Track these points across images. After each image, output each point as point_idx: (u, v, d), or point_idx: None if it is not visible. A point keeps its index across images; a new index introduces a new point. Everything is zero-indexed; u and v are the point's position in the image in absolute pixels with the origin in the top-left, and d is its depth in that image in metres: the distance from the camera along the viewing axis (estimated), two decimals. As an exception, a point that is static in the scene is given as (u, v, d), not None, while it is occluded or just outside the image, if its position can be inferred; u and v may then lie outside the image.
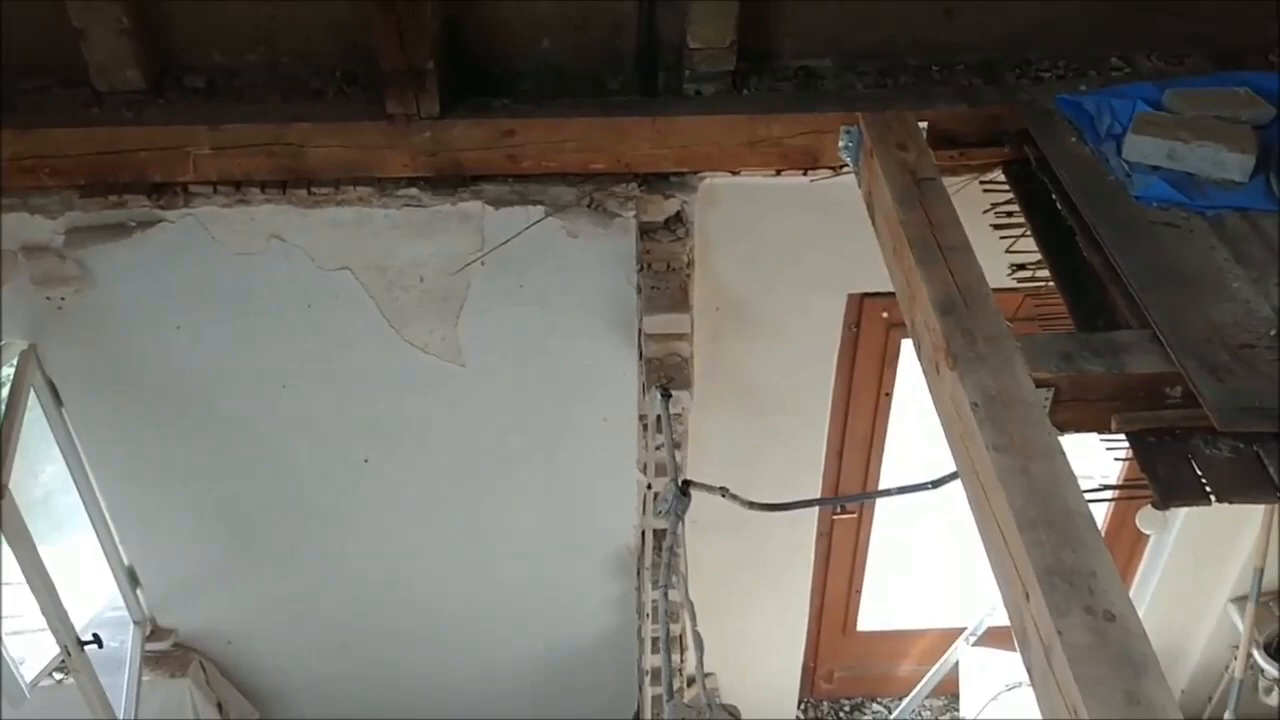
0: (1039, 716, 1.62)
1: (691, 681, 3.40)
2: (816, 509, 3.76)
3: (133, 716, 3.36)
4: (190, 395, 3.11)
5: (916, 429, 3.63)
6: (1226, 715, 4.01)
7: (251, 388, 3.11)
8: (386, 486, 3.38)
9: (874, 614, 4.37)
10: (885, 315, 3.23)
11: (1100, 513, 4.08)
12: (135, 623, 3.62)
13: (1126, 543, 4.08)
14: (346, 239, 2.78)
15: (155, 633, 3.72)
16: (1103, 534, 3.99)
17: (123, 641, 3.55)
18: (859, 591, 4.20)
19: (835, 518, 3.88)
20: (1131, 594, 4.24)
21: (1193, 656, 4.29)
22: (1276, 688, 4.08)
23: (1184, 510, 3.85)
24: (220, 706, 3.89)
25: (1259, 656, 3.87)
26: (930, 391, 2.11)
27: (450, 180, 2.65)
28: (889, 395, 3.52)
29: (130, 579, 3.56)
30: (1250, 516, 3.78)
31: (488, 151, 2.57)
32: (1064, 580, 1.59)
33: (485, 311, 2.92)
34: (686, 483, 2.30)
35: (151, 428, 3.18)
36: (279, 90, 2.64)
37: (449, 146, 2.55)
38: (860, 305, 3.20)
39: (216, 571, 3.61)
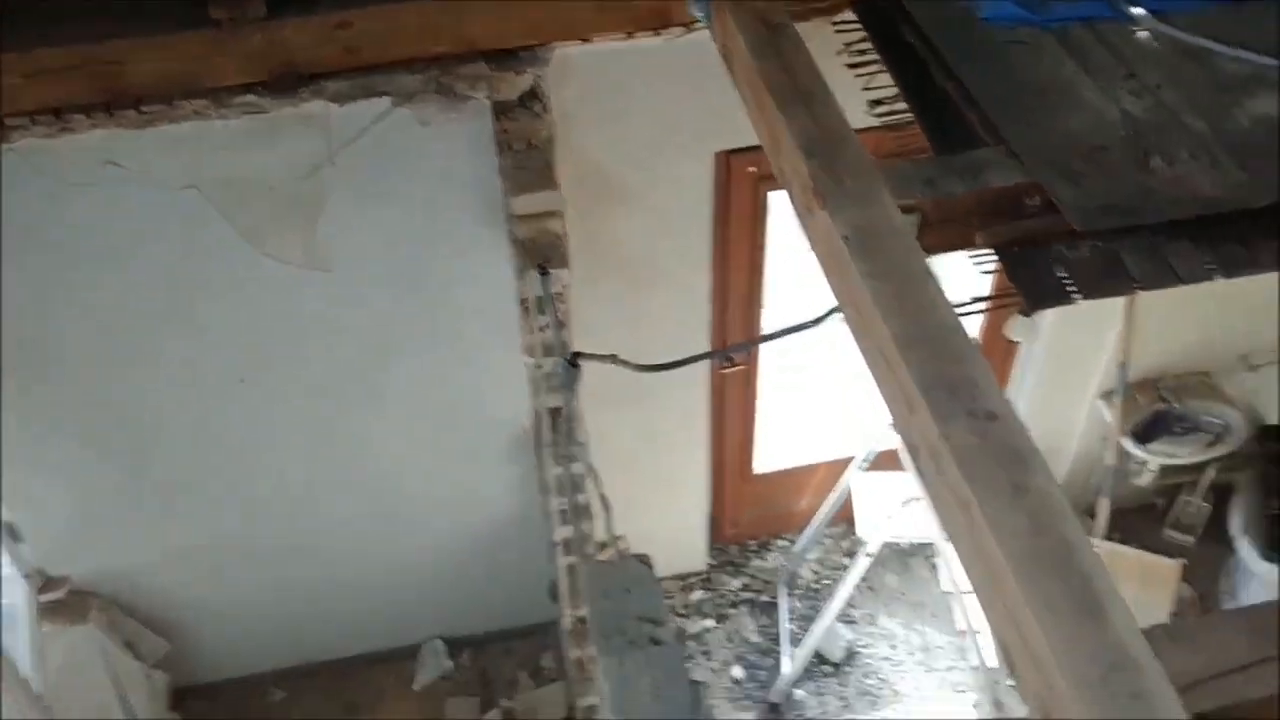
0: (927, 529, 1.74)
1: (604, 546, 3.48)
2: (707, 368, 3.85)
3: (38, 670, 3.30)
4: (48, 338, 2.98)
5: (792, 278, 3.70)
6: (1102, 500, 4.32)
7: (111, 323, 2.99)
8: (267, 403, 3.32)
9: (770, 457, 4.53)
10: (753, 170, 3.25)
11: (974, 329, 4.27)
12: (24, 577, 3.52)
13: (1000, 354, 4.28)
14: (187, 156, 2.66)
15: (48, 584, 3.63)
16: (978, 348, 4.18)
17: (13, 599, 3.45)
18: (753, 438, 4.34)
19: (724, 372, 3.97)
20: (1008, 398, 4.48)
21: (1069, 451, 4.57)
22: (1145, 470, 4.40)
23: (1050, 318, 4.06)
24: (130, 645, 3.85)
25: (1128, 444, 4.15)
26: (804, 234, 2.15)
27: (288, 82, 2.53)
28: (762, 249, 3.57)
29: (10, 535, 3.45)
30: (1111, 317, 4.00)
31: (323, 47, 2.46)
32: (945, 390, 1.67)
33: (346, 215, 2.84)
34: (575, 355, 2.31)
35: (9, 378, 3.04)
36: (93, 6, 2.46)
37: (282, 47, 2.43)
38: (728, 162, 3.22)
39: (101, 513, 3.53)
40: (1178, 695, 1.38)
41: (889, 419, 1.85)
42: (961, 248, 2.08)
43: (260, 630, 4.14)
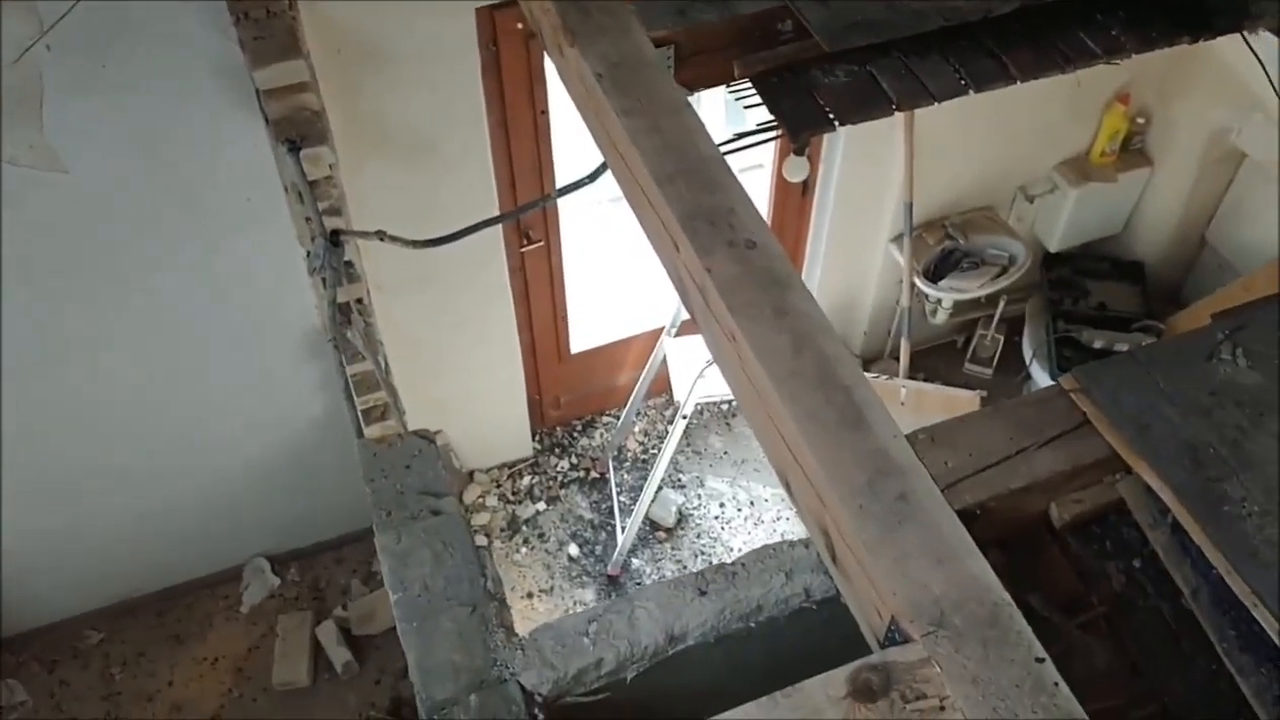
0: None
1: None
2: (504, 248, 3.74)
3: None
4: None
5: (581, 142, 3.60)
6: (903, 341, 4.46)
7: None
8: (28, 332, 3.05)
9: (584, 335, 4.49)
10: (521, 26, 3.11)
11: (764, 196, 4.29)
12: None
13: (794, 209, 4.32)
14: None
15: None
16: (769, 213, 4.19)
17: None
18: (565, 318, 4.28)
19: (524, 250, 3.87)
20: (806, 258, 4.55)
21: (868, 299, 4.69)
22: (940, 308, 4.55)
23: (837, 166, 4.10)
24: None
25: (920, 283, 4.28)
26: (560, 78, 2.06)
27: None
28: (545, 114, 3.45)
29: None
30: (894, 160, 4.07)
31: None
32: (705, 221, 1.63)
33: (74, 105, 2.57)
34: (335, 233, 2.17)
35: None
36: None
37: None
38: (491, 19, 3.06)
39: None
40: (942, 493, 1.40)
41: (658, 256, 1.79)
42: (720, 81, 2.03)
43: (66, 572, 3.90)
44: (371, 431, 3.36)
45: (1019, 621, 1.26)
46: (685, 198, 1.67)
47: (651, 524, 4.58)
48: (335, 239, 2.16)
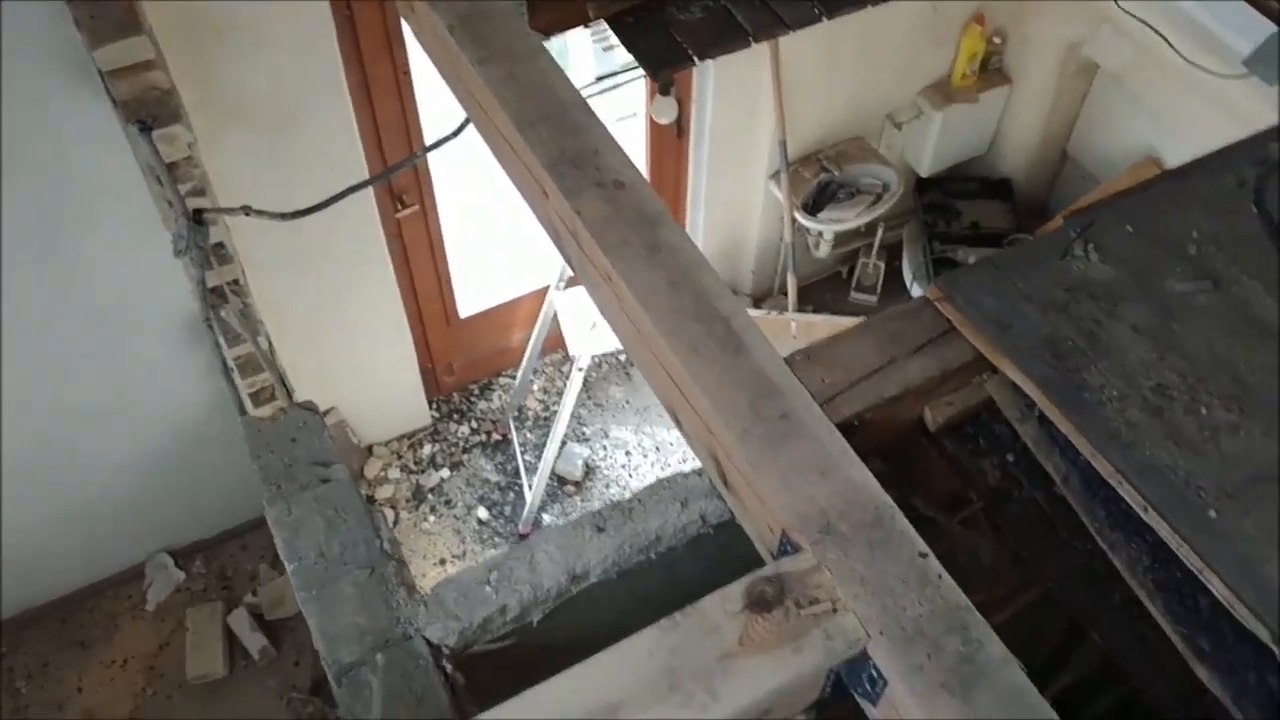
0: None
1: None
2: (379, 215, 3.67)
3: None
4: None
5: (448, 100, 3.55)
6: (789, 276, 4.53)
7: None
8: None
9: (472, 299, 4.45)
10: (372, -14, 3.04)
11: (640, 143, 4.30)
12: None
13: (671, 153, 4.33)
14: None
15: None
16: (647, 159, 4.19)
17: None
18: (449, 282, 4.24)
19: (399, 216, 3.81)
20: (687, 202, 4.58)
21: (753, 237, 4.75)
22: (821, 240, 4.64)
23: (709, 110, 4.12)
24: None
25: (800, 217, 4.34)
26: (414, 34, 2.03)
27: None
28: (407, 73, 3.39)
29: None
30: (764, 97, 4.11)
31: None
32: (571, 165, 1.63)
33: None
34: (198, 212, 2.11)
35: None
36: None
37: None
38: (342, -18, 2.99)
39: None
40: (820, 409, 1.44)
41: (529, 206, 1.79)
42: (575, 24, 2.02)
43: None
44: (261, 413, 3.29)
45: (901, 522, 1.30)
46: (549, 143, 1.66)
47: (559, 479, 4.60)
48: (198, 218, 2.10)
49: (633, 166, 1.66)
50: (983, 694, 1.16)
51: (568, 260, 1.76)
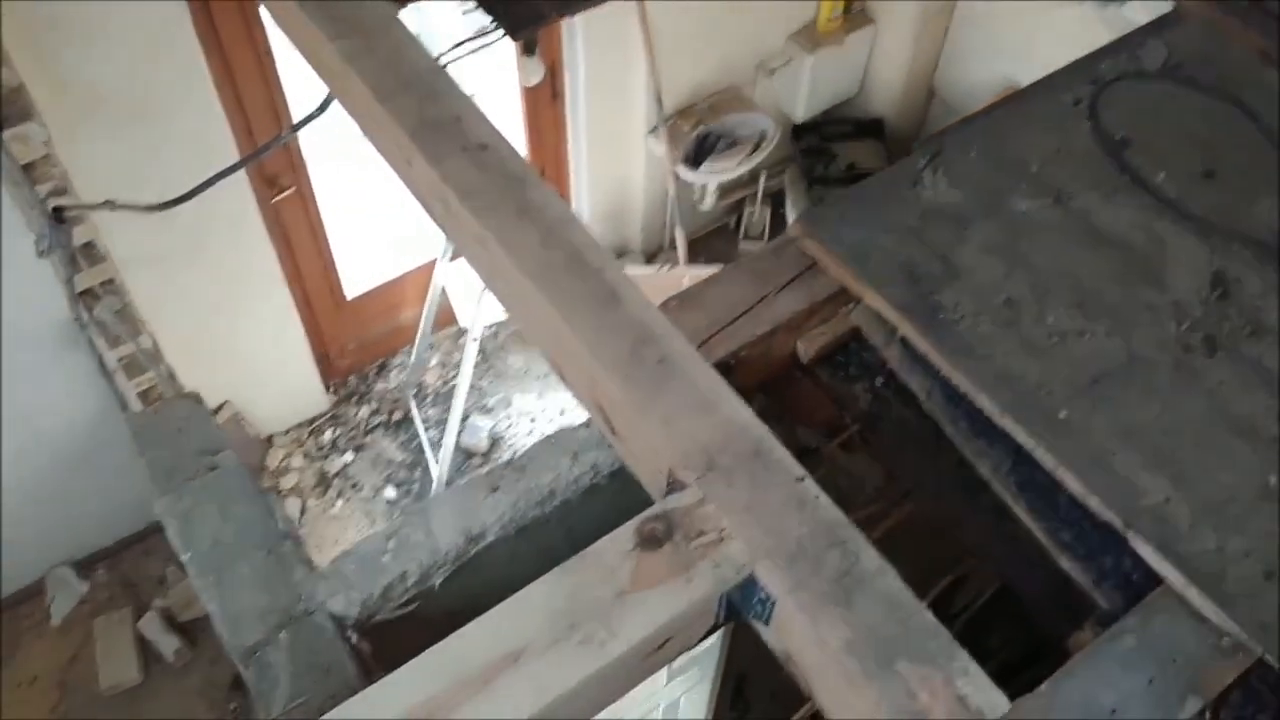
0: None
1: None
2: (254, 201, 3.61)
3: None
4: None
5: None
6: (677, 229, 4.58)
7: None
8: None
9: (359, 280, 4.41)
10: (222, -30, 2.97)
11: (516, 110, 4.28)
12: None
13: (549, 124, 4.33)
14: None
15: None
16: (524, 124, 4.17)
17: None
18: (333, 264, 4.19)
19: (276, 201, 3.75)
20: (569, 164, 4.59)
21: (639, 195, 4.79)
22: (705, 192, 4.70)
23: (582, 70, 4.12)
24: None
25: (682, 171, 4.39)
26: (271, 16, 2.00)
27: None
28: (270, 55, 3.33)
29: None
30: (636, 52, 4.12)
31: None
32: (434, 131, 1.64)
33: None
34: (58, 210, 2.06)
35: None
36: None
37: None
38: (191, -33, 2.91)
39: None
40: (697, 350, 1.49)
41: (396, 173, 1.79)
42: (429, -9, 2.02)
43: None
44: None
45: (779, 451, 1.36)
46: (410, 112, 1.67)
47: (466, 453, 4.60)
48: (59, 217, 2.05)
49: (495, 129, 1.68)
50: (864, 602, 1.23)
51: (440, 227, 1.77)
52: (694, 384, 1.43)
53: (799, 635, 1.26)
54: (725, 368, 1.50)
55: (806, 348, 1.57)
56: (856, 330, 1.57)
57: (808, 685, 1.32)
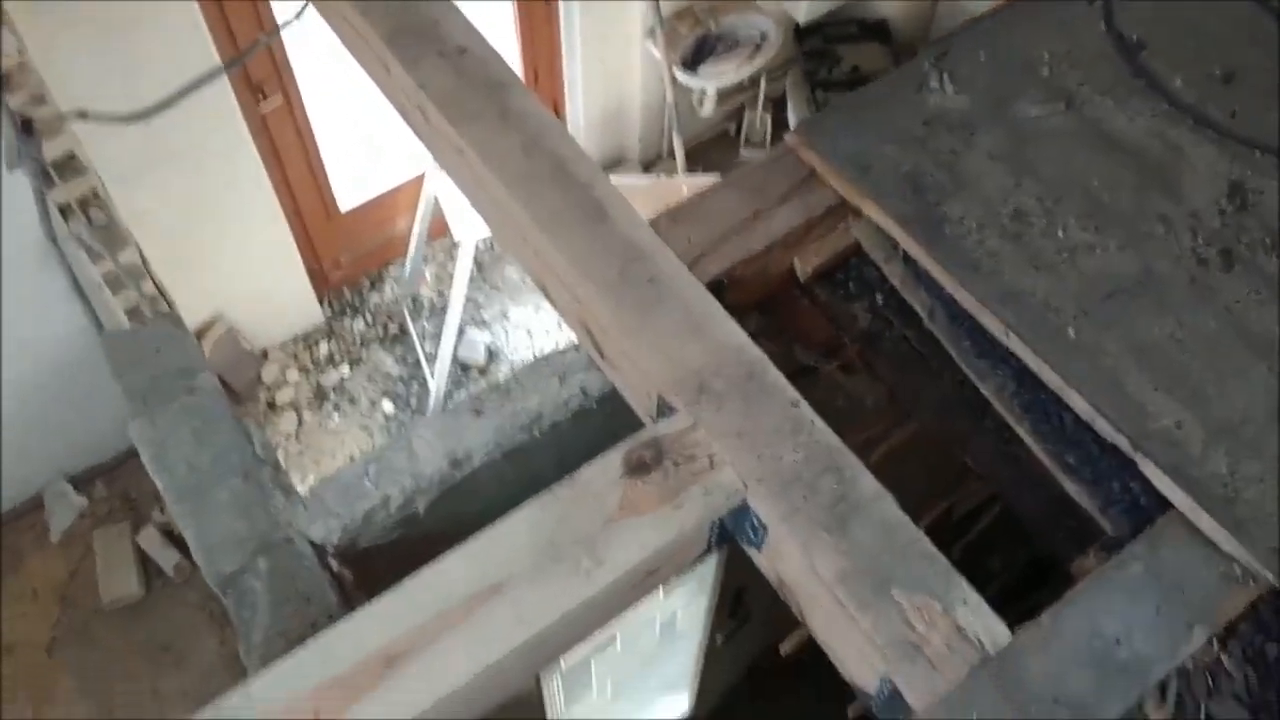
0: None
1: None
2: (238, 111, 3.50)
3: None
4: None
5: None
6: (674, 136, 4.46)
7: None
8: None
9: (351, 191, 4.31)
10: None
11: (508, 16, 4.13)
12: None
13: (542, 29, 4.19)
14: None
15: None
16: (517, 31, 4.02)
17: None
18: (324, 175, 4.09)
19: (263, 110, 3.64)
20: (564, 71, 4.45)
21: (635, 101, 4.65)
22: (704, 97, 4.56)
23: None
24: None
25: (680, 74, 4.25)
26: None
27: None
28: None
29: None
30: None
31: None
32: (411, 36, 1.56)
33: None
34: (26, 120, 1.97)
35: None
36: None
37: None
38: None
39: None
40: (688, 269, 1.42)
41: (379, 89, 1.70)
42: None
43: None
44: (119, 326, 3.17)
45: (773, 374, 1.31)
46: (387, 16, 1.58)
47: (463, 366, 4.55)
48: (28, 128, 1.96)
49: (475, 32, 1.59)
50: (859, 529, 1.19)
51: (419, 137, 1.69)
52: (685, 305, 1.37)
53: (791, 563, 1.22)
54: (718, 287, 1.44)
55: (804, 265, 1.51)
56: (856, 246, 1.51)
57: (800, 612, 1.28)
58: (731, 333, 1.34)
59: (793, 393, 1.28)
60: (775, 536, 1.23)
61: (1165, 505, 1.24)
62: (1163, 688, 1.12)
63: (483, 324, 4.71)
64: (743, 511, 1.25)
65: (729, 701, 3.74)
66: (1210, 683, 1.12)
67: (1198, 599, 1.16)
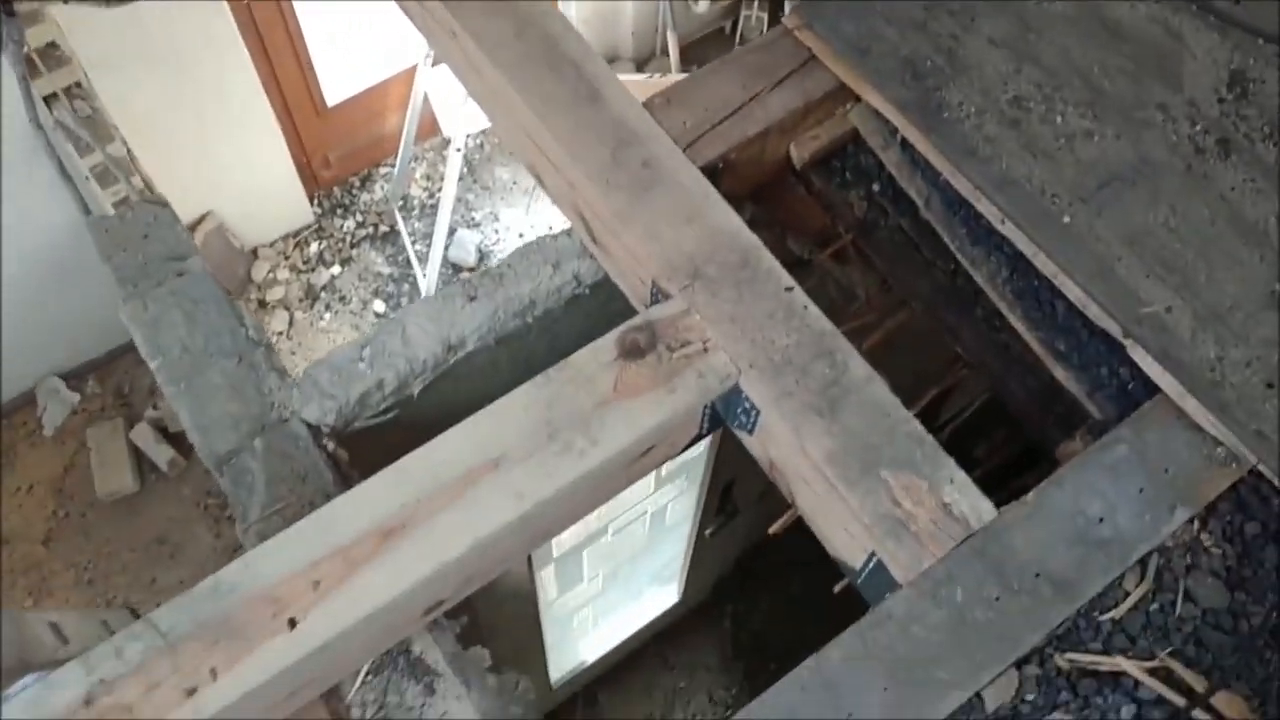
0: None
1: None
2: (225, 7, 3.42)
3: None
4: None
5: None
6: (669, 33, 4.38)
7: None
8: None
9: (338, 84, 4.23)
10: None
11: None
12: None
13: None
14: None
15: None
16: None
17: None
18: (312, 69, 4.01)
19: (249, 2, 3.55)
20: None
21: (628, 4, 4.56)
22: (699, -5, 4.47)
23: None
24: None
25: (674, -30, 4.15)
26: None
27: None
28: None
29: None
30: None
31: None
32: (400, -90, 1.52)
33: None
34: (6, 1, 1.92)
35: None
36: None
37: None
38: None
39: None
40: (683, 153, 1.41)
41: None
42: None
43: None
44: (105, 208, 3.14)
45: (768, 260, 1.30)
46: (374, -112, 1.54)
47: (454, 267, 4.54)
48: (8, 9, 1.91)
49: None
50: (849, 412, 1.20)
51: (410, 18, 1.66)
52: (680, 189, 1.36)
53: (782, 445, 1.24)
54: (713, 172, 1.43)
55: (800, 151, 1.49)
56: (854, 132, 1.49)
57: (789, 493, 1.30)
58: (726, 218, 1.34)
59: (787, 278, 1.29)
60: (767, 420, 1.24)
61: (1152, 391, 1.25)
62: (1143, 564, 1.15)
63: (474, 225, 4.68)
64: (735, 395, 1.26)
65: (717, 592, 3.83)
66: (1190, 560, 1.15)
67: (1181, 480, 1.18)
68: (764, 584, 3.84)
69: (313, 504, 1.29)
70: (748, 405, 1.26)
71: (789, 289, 1.28)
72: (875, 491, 1.16)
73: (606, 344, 1.27)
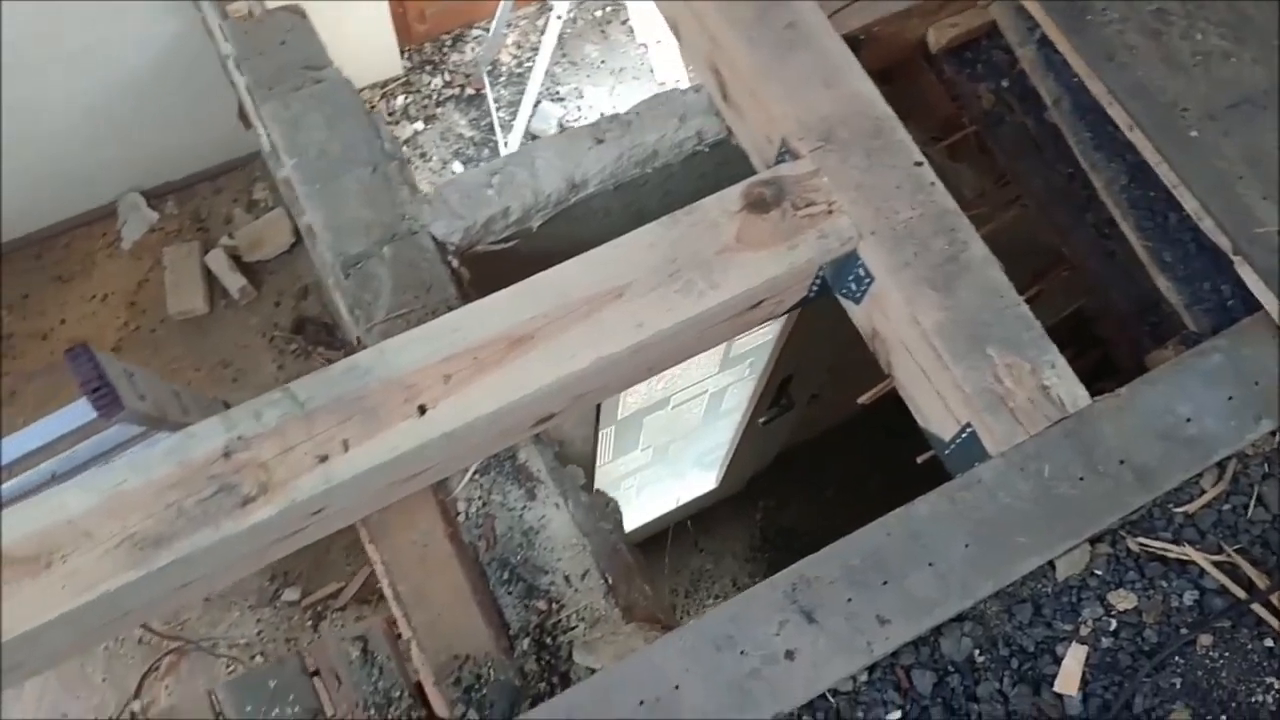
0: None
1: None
2: None
3: None
4: None
5: None
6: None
7: None
8: None
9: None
10: None
11: None
12: None
13: None
14: None
15: None
16: None
17: None
18: (421, -84, 3.99)
19: None
20: None
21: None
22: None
23: None
24: None
25: None
26: None
27: None
28: None
29: None
30: None
31: None
32: None
33: None
34: None
35: None
36: None
37: None
38: None
39: None
40: (829, 20, 1.44)
41: None
42: None
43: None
44: (238, 9, 3.19)
45: (900, 132, 1.34)
46: None
47: (533, 137, 4.56)
48: None
49: None
50: (963, 289, 1.25)
51: None
52: (822, 53, 1.39)
53: (892, 314, 1.29)
54: (853, 43, 1.45)
55: (938, 37, 1.52)
56: (992, 25, 1.51)
57: (888, 363, 1.36)
58: (864, 86, 1.37)
59: (917, 153, 1.33)
60: (881, 288, 1.29)
61: (1251, 309, 1.29)
62: (1221, 467, 1.20)
63: (558, 99, 4.69)
64: (851, 261, 1.31)
65: (752, 486, 3.93)
66: (1267, 469, 1.20)
67: (1269, 394, 1.23)
68: (799, 484, 3.93)
69: (435, 313, 1.36)
70: (861, 273, 1.31)
71: (918, 164, 1.32)
72: (979, 367, 1.21)
73: (733, 194, 1.31)
